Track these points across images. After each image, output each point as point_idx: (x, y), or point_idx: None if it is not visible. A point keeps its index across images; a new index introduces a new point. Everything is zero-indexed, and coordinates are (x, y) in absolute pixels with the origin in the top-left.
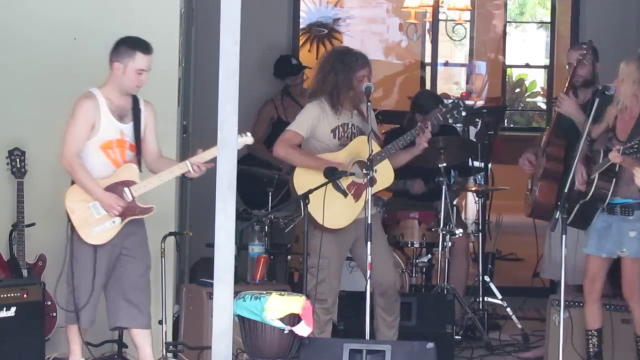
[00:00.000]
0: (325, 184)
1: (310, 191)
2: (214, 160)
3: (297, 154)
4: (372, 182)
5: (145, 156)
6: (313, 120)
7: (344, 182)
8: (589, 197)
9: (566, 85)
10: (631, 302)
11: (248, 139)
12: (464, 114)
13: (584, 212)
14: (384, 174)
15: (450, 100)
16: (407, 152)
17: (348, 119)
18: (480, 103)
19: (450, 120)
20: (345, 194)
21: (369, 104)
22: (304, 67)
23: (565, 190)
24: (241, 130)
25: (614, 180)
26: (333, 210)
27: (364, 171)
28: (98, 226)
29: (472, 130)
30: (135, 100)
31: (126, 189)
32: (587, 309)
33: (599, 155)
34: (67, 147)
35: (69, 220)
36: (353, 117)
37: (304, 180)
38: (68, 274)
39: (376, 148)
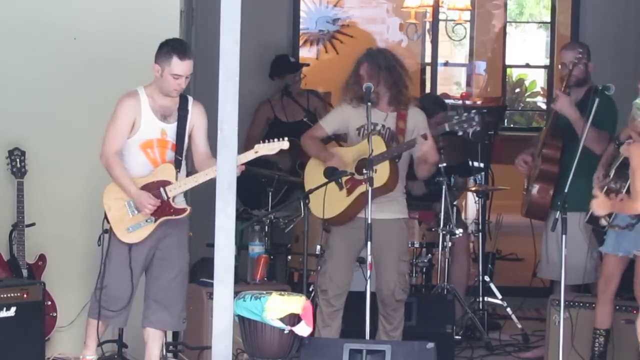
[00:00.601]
0: (325, 184)
1: (310, 191)
2: (250, 162)
3: (310, 144)
4: (371, 182)
5: (195, 156)
6: (342, 117)
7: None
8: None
9: (563, 84)
10: None
11: (284, 143)
12: (478, 129)
13: None
14: (379, 174)
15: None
16: (423, 164)
17: (380, 120)
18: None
19: (460, 133)
20: (341, 187)
21: (369, 104)
22: (303, 64)
23: (565, 191)
24: (241, 131)
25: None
26: (325, 199)
27: (364, 171)
28: (132, 225)
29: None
30: (183, 100)
31: (161, 189)
32: (598, 308)
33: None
34: (106, 144)
35: (106, 217)
36: (387, 119)
37: (311, 170)
38: (101, 271)
39: (382, 148)
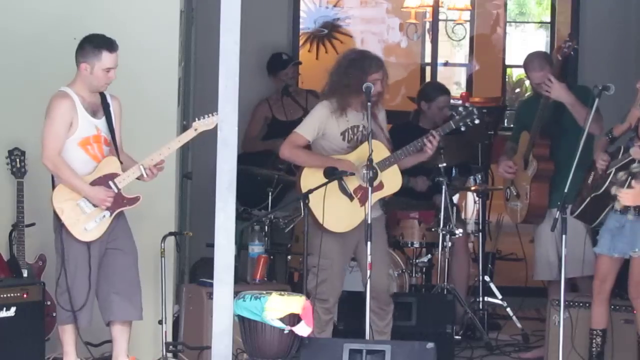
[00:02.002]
0: (325, 184)
1: (310, 191)
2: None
3: (302, 154)
4: (371, 181)
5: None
6: (320, 122)
7: (351, 186)
8: (601, 190)
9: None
10: (636, 301)
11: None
12: (477, 122)
13: (593, 206)
14: (393, 180)
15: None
16: (413, 157)
17: (359, 121)
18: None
19: (463, 128)
20: (351, 198)
21: (369, 104)
22: (294, 61)
23: (565, 191)
24: (240, 131)
25: (630, 178)
26: (336, 212)
27: (364, 171)
28: (89, 222)
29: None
30: (102, 96)
31: (110, 182)
32: (594, 309)
33: (618, 152)
34: (49, 147)
35: (59, 220)
36: (365, 119)
37: (310, 181)
38: (60, 275)
39: (385, 153)
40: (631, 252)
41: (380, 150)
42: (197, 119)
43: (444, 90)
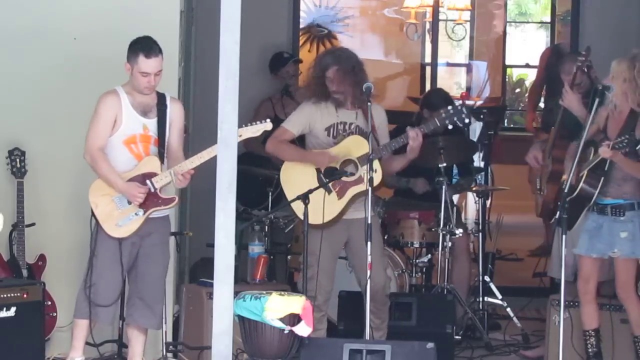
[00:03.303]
0: (325, 184)
1: (310, 191)
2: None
3: (285, 148)
4: (371, 182)
5: (166, 153)
6: (306, 118)
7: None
8: (575, 193)
9: (570, 82)
10: (626, 302)
11: (267, 124)
12: (467, 121)
13: (569, 210)
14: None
15: (450, 108)
16: (401, 157)
17: (351, 119)
18: (479, 103)
19: (450, 127)
20: (329, 191)
21: (369, 104)
22: (294, 58)
23: (565, 191)
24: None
25: (602, 178)
26: (313, 205)
27: (363, 171)
28: (122, 219)
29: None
30: (161, 97)
31: (148, 181)
32: (582, 310)
33: (590, 154)
34: (90, 142)
35: (93, 215)
36: (357, 117)
37: (289, 175)
38: (88, 269)
39: (366, 148)
40: (610, 253)
41: (362, 146)
42: (243, 125)
43: (448, 102)
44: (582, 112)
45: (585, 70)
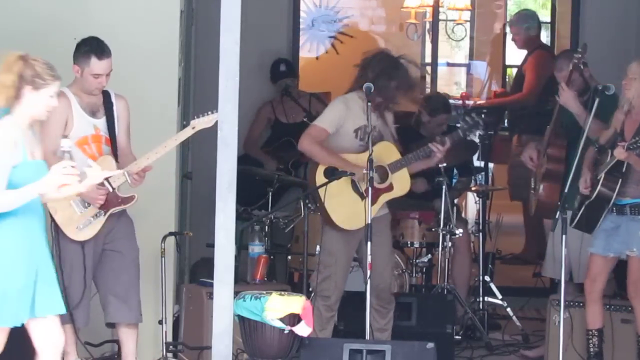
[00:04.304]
0: (325, 184)
1: (311, 190)
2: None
3: (321, 151)
4: (371, 181)
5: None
6: (339, 117)
7: (363, 185)
8: (593, 196)
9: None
10: (635, 301)
11: (215, 115)
12: (481, 132)
13: (589, 214)
14: (402, 182)
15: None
16: (421, 162)
17: (374, 122)
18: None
19: (470, 137)
20: (362, 197)
21: (369, 104)
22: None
23: (565, 191)
24: (240, 131)
25: (620, 180)
26: (350, 211)
27: (364, 171)
28: (82, 222)
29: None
30: (106, 95)
31: (105, 181)
32: (587, 309)
33: (606, 156)
34: (43, 147)
35: (53, 220)
36: (377, 120)
37: (323, 178)
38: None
39: (397, 155)
40: (628, 252)
41: (392, 153)
42: (195, 117)
43: (447, 109)
44: (578, 109)
45: (581, 67)
